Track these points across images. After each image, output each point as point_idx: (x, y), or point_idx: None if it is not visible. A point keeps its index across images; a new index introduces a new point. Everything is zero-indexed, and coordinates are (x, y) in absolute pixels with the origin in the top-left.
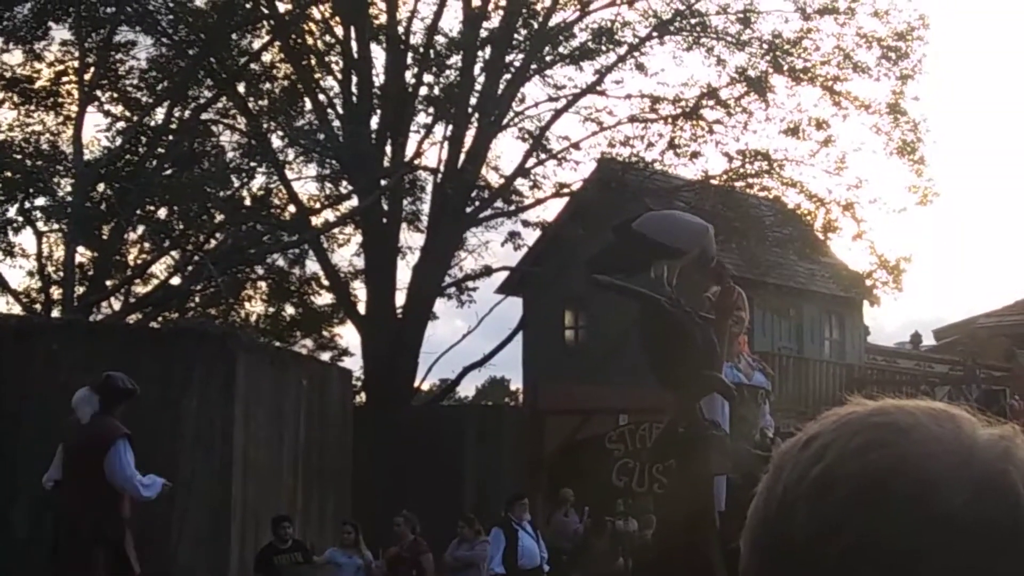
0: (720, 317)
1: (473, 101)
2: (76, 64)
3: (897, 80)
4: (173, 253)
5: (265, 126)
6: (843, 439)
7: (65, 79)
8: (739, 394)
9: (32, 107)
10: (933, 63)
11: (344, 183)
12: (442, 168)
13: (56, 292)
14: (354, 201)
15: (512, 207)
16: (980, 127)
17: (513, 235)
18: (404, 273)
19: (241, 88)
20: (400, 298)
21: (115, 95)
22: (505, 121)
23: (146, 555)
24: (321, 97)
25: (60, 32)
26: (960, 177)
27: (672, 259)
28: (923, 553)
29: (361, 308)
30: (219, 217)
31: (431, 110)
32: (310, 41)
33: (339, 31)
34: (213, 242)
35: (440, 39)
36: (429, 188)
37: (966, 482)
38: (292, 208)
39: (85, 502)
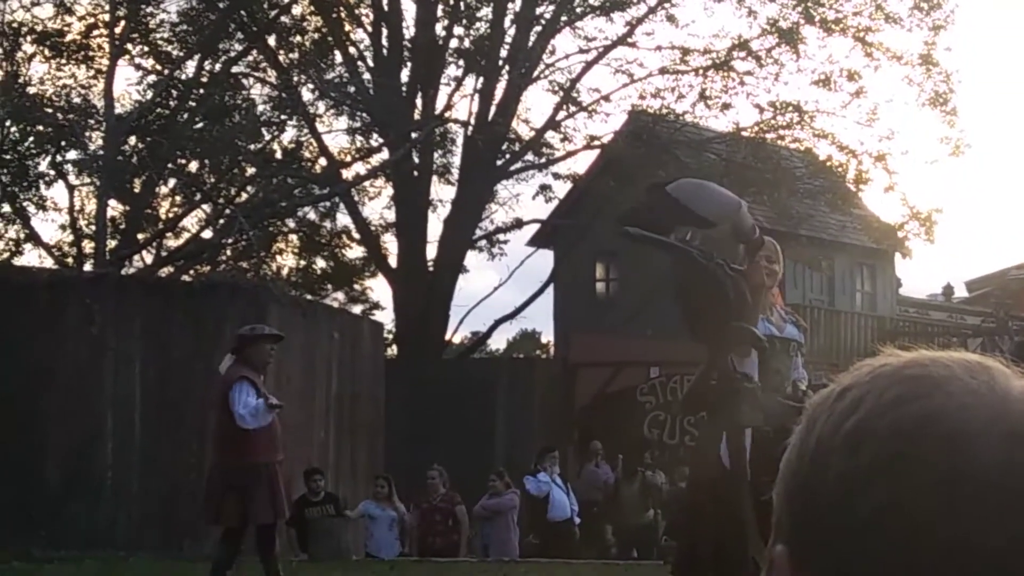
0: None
1: (503, 53)
2: (106, 17)
3: (929, 31)
4: (204, 206)
5: (296, 79)
6: (877, 391)
7: (96, 32)
8: (771, 346)
9: (63, 61)
10: (966, 11)
11: (375, 136)
12: (473, 121)
13: (88, 246)
14: (385, 154)
15: (543, 160)
16: (1011, 77)
17: (544, 188)
18: (435, 226)
19: (272, 41)
20: (431, 251)
21: (146, 48)
22: (535, 73)
23: (180, 508)
24: (351, 50)
25: None
26: (993, 127)
27: (699, 227)
28: (956, 506)
29: (392, 261)
30: (250, 170)
31: (461, 62)
32: None
33: None
34: (244, 195)
35: None
36: (460, 141)
37: (1000, 435)
38: (323, 161)
39: (215, 451)
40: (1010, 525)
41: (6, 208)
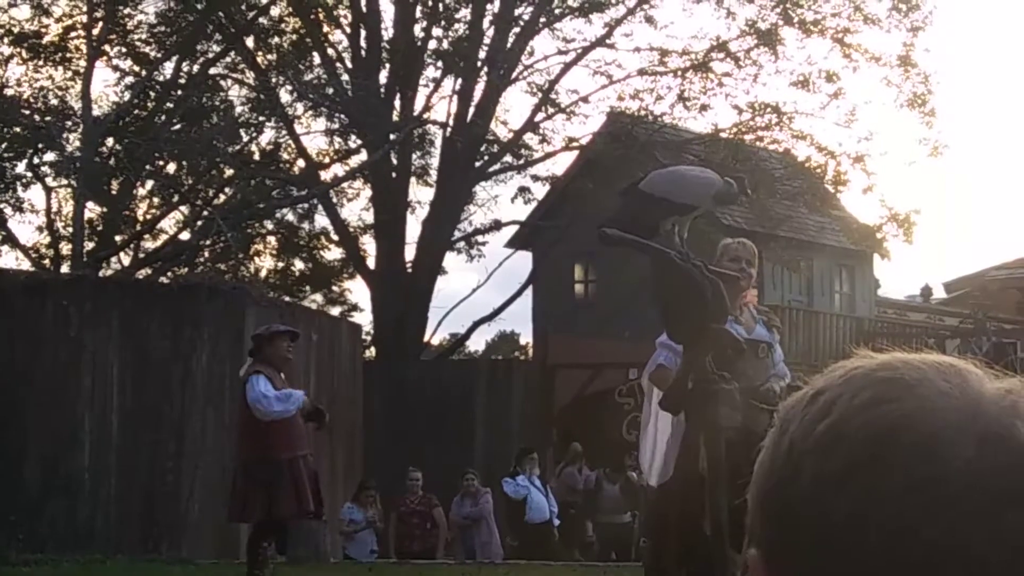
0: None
1: (482, 55)
2: (84, 19)
3: (908, 32)
4: (182, 208)
5: (274, 80)
6: (849, 394)
7: (73, 34)
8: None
9: (40, 62)
10: (944, 13)
11: (353, 137)
12: (451, 122)
13: (65, 248)
14: (363, 155)
15: (521, 161)
16: (989, 77)
17: (523, 189)
18: (413, 227)
19: (250, 42)
20: (410, 252)
21: (123, 50)
22: (514, 75)
23: (158, 510)
24: (330, 51)
25: None
26: (971, 129)
27: (683, 215)
28: (930, 509)
29: (371, 263)
30: (228, 172)
31: (440, 64)
32: None
33: None
34: (222, 197)
35: None
36: (438, 142)
37: (972, 437)
38: (301, 163)
39: (238, 448)
40: (984, 528)
41: None
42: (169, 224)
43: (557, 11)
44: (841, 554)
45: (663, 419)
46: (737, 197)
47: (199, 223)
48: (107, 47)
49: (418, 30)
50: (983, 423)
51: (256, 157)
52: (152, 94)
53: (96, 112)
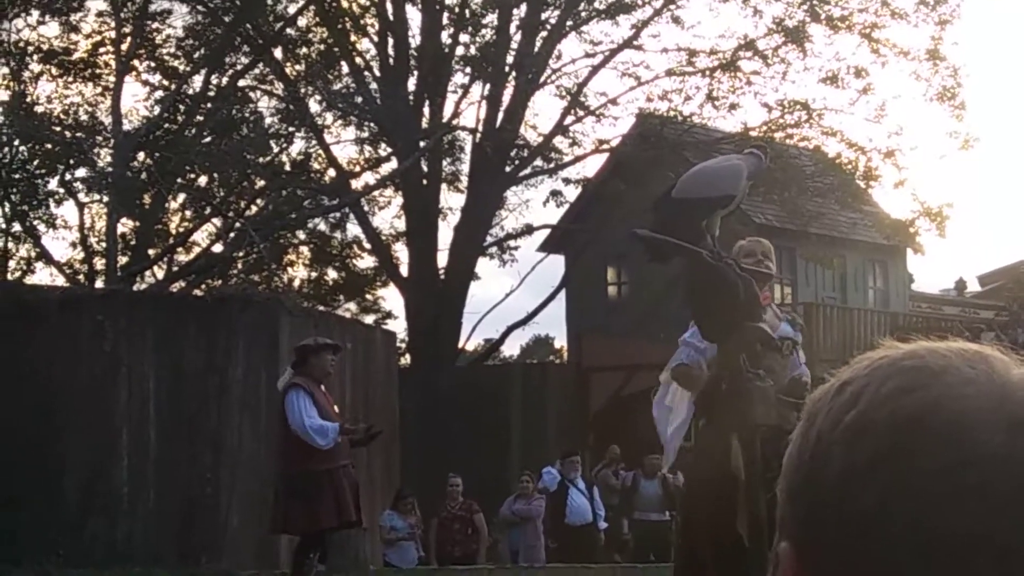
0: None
1: (510, 60)
2: (112, 35)
3: (936, 26)
4: (214, 220)
5: (303, 90)
6: (875, 384)
7: (102, 50)
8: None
9: (70, 79)
10: (973, 4)
11: (383, 145)
12: (480, 128)
13: (99, 262)
14: (393, 163)
15: (552, 165)
16: (1020, 69)
17: (554, 193)
18: (445, 234)
19: (278, 53)
20: (442, 259)
21: (152, 64)
22: (542, 79)
23: (197, 522)
24: (358, 60)
25: (95, 3)
26: (1003, 120)
27: (725, 207)
28: (958, 496)
29: (403, 270)
30: (259, 183)
31: (468, 70)
32: (345, 4)
33: None
34: (254, 208)
35: None
36: (468, 148)
37: (1000, 422)
38: (332, 172)
39: (277, 460)
40: (1014, 514)
41: (17, 227)
42: (202, 236)
43: (583, 14)
44: (870, 544)
45: (677, 410)
46: (765, 165)
47: (231, 235)
48: (136, 62)
49: (445, 37)
50: (1011, 408)
51: (287, 168)
52: (182, 107)
53: (126, 127)
